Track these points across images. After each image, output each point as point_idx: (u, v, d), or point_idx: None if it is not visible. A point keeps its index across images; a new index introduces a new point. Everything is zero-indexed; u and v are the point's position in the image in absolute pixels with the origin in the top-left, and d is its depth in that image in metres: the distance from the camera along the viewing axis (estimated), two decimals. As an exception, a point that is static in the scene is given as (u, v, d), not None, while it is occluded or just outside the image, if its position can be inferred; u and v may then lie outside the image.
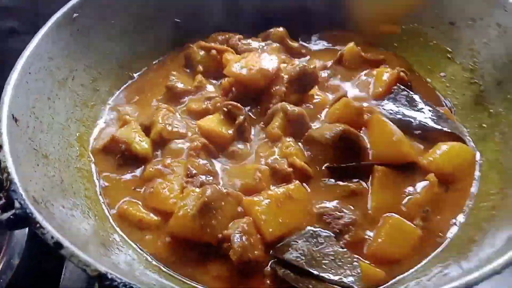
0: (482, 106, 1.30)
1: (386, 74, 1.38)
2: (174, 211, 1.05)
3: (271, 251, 1.03)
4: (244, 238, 0.99)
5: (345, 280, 0.93)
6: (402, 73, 1.35)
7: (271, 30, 1.56)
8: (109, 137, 1.28)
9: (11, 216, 0.86)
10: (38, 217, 0.85)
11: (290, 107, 1.24)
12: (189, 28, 1.58)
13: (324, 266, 0.97)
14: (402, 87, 1.32)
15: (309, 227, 1.06)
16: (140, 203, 1.16)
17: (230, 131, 1.26)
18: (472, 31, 1.35)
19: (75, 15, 1.31)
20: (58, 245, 0.82)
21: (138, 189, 1.19)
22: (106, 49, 1.43)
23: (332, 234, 1.04)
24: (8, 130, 1.00)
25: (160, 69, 1.54)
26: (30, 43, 1.19)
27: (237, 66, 1.31)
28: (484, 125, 1.27)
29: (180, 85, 1.41)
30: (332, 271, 0.96)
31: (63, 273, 1.29)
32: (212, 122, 1.28)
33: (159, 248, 1.07)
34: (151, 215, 1.13)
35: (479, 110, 1.30)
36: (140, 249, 1.08)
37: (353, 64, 1.47)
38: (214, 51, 1.46)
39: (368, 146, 1.19)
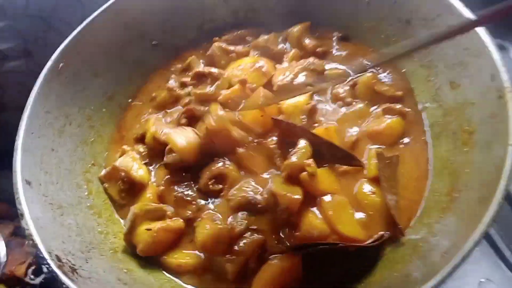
0: (438, 103, 1.42)
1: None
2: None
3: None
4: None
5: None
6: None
7: (289, 30, 1.67)
8: (111, 166, 1.47)
9: (42, 280, 1.08)
10: (64, 279, 1.07)
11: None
12: (167, 47, 1.70)
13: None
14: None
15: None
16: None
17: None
18: (425, 30, 1.44)
19: (60, 65, 1.44)
20: (83, 302, 1.04)
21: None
22: (94, 86, 1.57)
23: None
24: (25, 197, 1.19)
25: (142, 93, 1.71)
26: (26, 105, 1.34)
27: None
28: (439, 122, 1.40)
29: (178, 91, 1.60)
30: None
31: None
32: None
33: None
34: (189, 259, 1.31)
35: (435, 107, 1.43)
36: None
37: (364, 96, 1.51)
38: (233, 54, 1.65)
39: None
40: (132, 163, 1.46)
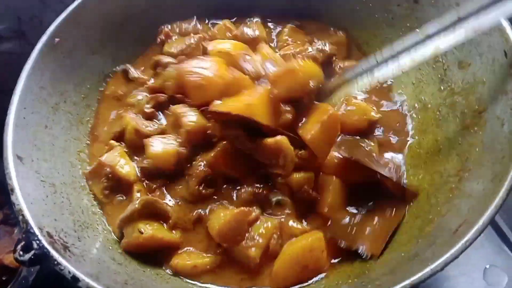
0: (446, 84, 1.38)
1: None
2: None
3: None
4: None
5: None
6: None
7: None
8: (96, 162, 1.36)
9: (31, 257, 1.02)
10: (55, 255, 1.01)
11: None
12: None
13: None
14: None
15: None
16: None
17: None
18: (435, 10, 1.40)
19: (56, 40, 1.39)
20: (75, 279, 0.98)
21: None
22: (90, 63, 1.52)
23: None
24: (16, 172, 1.13)
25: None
26: (19, 79, 1.28)
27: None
28: (446, 103, 1.36)
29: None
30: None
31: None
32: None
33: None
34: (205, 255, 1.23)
35: (443, 88, 1.39)
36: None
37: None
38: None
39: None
40: (119, 158, 1.36)
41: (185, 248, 1.25)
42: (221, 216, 1.21)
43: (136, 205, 1.22)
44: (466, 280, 1.36)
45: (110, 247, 1.22)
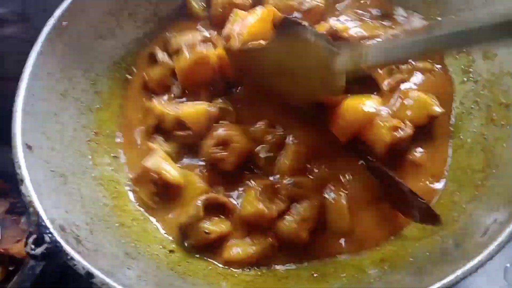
0: (470, 75, 1.33)
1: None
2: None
3: None
4: None
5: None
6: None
7: None
8: (141, 168, 1.31)
9: (44, 251, 0.98)
10: (68, 249, 0.97)
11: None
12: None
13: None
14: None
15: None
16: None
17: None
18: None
19: (64, 23, 1.33)
20: (90, 275, 0.94)
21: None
22: (99, 48, 1.45)
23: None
24: (25, 162, 1.09)
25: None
26: (26, 64, 1.23)
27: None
28: (470, 95, 1.31)
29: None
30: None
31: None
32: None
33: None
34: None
35: (466, 80, 1.34)
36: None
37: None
38: None
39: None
40: (163, 162, 1.31)
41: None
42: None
43: (199, 206, 1.22)
44: (486, 279, 1.33)
45: (123, 241, 1.18)
